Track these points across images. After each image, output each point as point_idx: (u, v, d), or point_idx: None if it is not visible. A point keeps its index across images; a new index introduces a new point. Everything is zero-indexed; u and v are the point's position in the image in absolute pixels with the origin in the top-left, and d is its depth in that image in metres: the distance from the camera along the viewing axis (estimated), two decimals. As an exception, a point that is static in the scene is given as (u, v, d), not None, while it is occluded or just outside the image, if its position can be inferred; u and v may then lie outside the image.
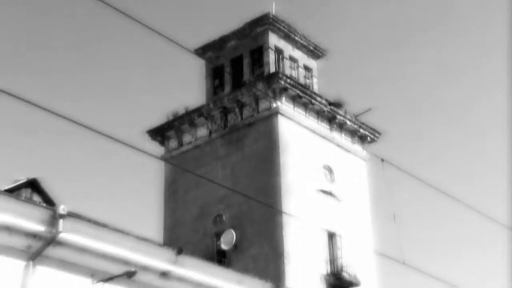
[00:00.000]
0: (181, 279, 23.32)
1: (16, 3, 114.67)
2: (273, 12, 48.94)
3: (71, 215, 20.16)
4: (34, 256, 19.84)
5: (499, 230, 33.40)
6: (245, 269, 31.01)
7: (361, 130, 48.80)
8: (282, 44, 48.74)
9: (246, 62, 48.42)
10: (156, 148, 48.58)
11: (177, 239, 42.80)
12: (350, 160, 47.93)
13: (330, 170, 46.17)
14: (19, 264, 19.63)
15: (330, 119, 47.22)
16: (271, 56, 47.69)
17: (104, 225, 21.20)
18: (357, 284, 43.76)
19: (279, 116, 44.56)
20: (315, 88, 49.52)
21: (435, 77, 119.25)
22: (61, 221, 19.81)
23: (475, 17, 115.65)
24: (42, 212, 20.01)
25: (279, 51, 48.41)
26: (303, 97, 45.65)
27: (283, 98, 44.97)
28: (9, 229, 19.33)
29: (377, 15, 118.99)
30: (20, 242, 19.64)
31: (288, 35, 49.06)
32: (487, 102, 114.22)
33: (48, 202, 29.90)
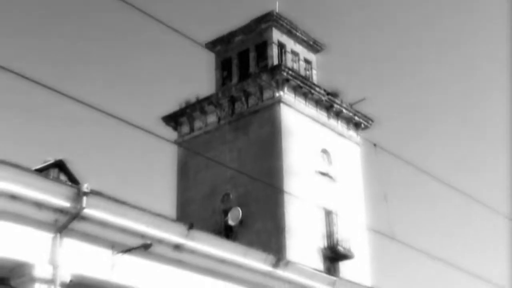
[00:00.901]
0: (192, 252, 23.46)
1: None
2: (277, 10, 48.91)
3: (93, 192, 20.34)
4: (61, 229, 20.04)
5: (485, 211, 33.44)
6: (250, 243, 31.15)
7: (356, 118, 48.81)
8: (285, 39, 48.70)
9: (251, 55, 48.42)
10: (170, 133, 48.71)
11: (189, 215, 42.91)
12: (345, 145, 47.99)
13: (327, 154, 46.25)
14: (48, 236, 19.85)
15: (328, 108, 47.24)
16: (275, 50, 47.69)
17: (123, 202, 21.36)
18: (350, 257, 43.88)
19: (282, 105, 44.61)
20: (314, 79, 49.51)
21: (428, 69, 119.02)
22: (84, 198, 20.01)
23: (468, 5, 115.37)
24: (68, 190, 20.19)
25: (281, 46, 48.39)
26: (303, 87, 45.68)
27: (285, 88, 45.00)
28: (39, 205, 19.54)
29: (372, 12, 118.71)
30: (48, 216, 19.85)
31: (290, 31, 49.02)
32: (483, 92, 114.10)
33: (73, 181, 29.97)
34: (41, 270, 19.45)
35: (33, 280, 19.40)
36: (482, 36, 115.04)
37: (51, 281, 19.57)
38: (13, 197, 18.96)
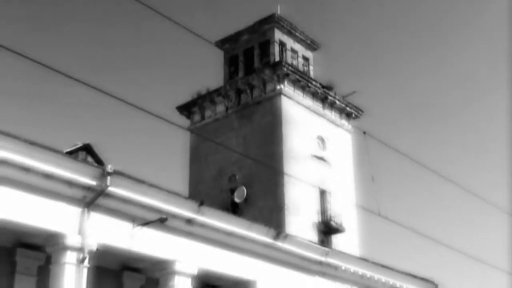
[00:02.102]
0: (202, 225, 23.67)
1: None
2: (278, 13, 48.83)
3: (116, 172, 20.57)
4: (88, 204, 20.30)
5: (465, 195, 33.43)
6: (253, 218, 31.25)
7: (348, 108, 48.80)
8: (285, 38, 48.62)
9: (256, 52, 48.36)
10: (183, 121, 48.75)
11: (199, 194, 42.99)
12: (338, 132, 48.00)
13: (322, 140, 46.31)
14: (77, 210, 20.13)
15: (323, 99, 47.24)
16: (276, 48, 47.65)
17: (142, 181, 21.59)
18: (342, 231, 43.97)
19: (282, 96, 44.64)
20: (311, 74, 49.44)
21: (418, 63, 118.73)
22: (108, 178, 20.26)
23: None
24: (94, 170, 20.46)
25: (282, 44, 48.34)
26: (302, 81, 45.68)
27: (285, 82, 45.01)
28: (69, 183, 19.79)
29: (365, 13, 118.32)
30: (77, 193, 20.11)
31: (290, 32, 48.95)
32: (471, 84, 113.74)
33: (99, 162, 29.97)
34: (71, 239, 19.75)
35: (64, 248, 19.70)
36: (477, 24, 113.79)
37: (80, 249, 19.86)
38: (47, 176, 19.22)
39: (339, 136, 47.92)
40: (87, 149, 31.89)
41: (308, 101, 46.21)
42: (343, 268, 30.54)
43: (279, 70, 44.63)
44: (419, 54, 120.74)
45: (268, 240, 26.25)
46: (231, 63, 49.46)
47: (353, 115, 49.37)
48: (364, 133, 25.11)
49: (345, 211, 44.90)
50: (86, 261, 19.84)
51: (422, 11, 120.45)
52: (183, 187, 46.84)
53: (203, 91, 48.30)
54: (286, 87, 44.96)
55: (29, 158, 18.61)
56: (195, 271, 23.34)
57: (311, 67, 50.13)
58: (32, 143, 18.75)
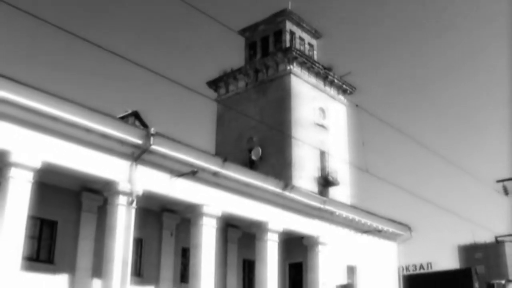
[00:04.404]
0: (226, 177, 23.97)
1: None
2: (289, 7, 48.45)
3: (158, 134, 20.87)
4: (136, 159, 20.63)
5: (440, 159, 33.46)
6: (266, 173, 31.42)
7: (344, 86, 48.45)
8: (295, 28, 48.15)
9: (271, 39, 48.00)
10: (212, 94, 48.76)
11: (224, 152, 43.14)
12: (336, 105, 47.79)
13: (322, 111, 46.18)
14: (127, 163, 20.50)
15: (324, 78, 46.98)
16: (287, 36, 47.27)
17: (178, 141, 21.84)
18: (337, 184, 44.01)
19: (291, 75, 44.44)
20: (315, 57, 49.04)
21: (402, 51, 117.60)
22: (152, 138, 20.57)
23: None
24: (141, 132, 20.78)
25: (292, 33, 47.93)
26: (307, 63, 45.42)
27: (294, 64, 44.80)
28: (121, 142, 20.15)
29: (362, 5, 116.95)
30: (127, 150, 20.47)
31: (298, 23, 48.47)
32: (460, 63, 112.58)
33: (144, 125, 30.18)
34: (123, 186, 20.20)
35: (117, 192, 20.17)
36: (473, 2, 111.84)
37: (129, 194, 20.31)
38: (104, 135, 19.58)
39: (336, 108, 47.77)
40: (135, 115, 32.07)
41: (312, 79, 46.05)
42: (337, 213, 30.88)
43: (289, 54, 44.46)
44: (408, 44, 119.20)
45: (278, 190, 26.56)
46: (250, 48, 49.23)
47: (348, 91, 49.10)
48: (357, 106, 25.08)
49: (340, 168, 44.93)
50: (134, 203, 20.29)
51: (416, 9, 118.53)
52: (210, 146, 47.11)
53: (228, 70, 48.18)
54: (295, 68, 44.80)
55: (90, 121, 18.96)
56: (219, 213, 23.74)
57: (315, 52, 49.75)
58: (93, 110, 19.07)
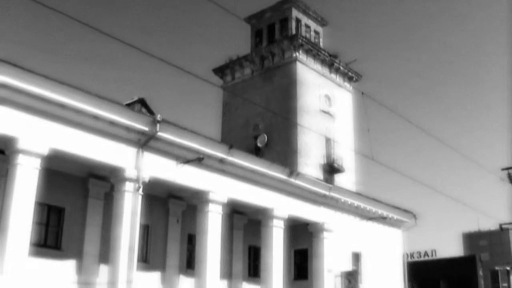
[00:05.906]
0: (231, 164, 23.97)
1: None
2: (295, -5, 48.30)
3: (164, 121, 20.85)
4: (142, 145, 20.65)
5: (445, 147, 33.39)
6: (272, 160, 31.51)
7: (349, 73, 48.32)
8: (301, 16, 47.92)
9: (277, 27, 47.82)
10: (218, 81, 48.72)
11: (230, 139, 43.27)
12: (341, 92, 47.70)
13: (328, 98, 46.10)
14: (133, 150, 20.53)
15: (330, 65, 46.82)
16: (293, 24, 47.07)
17: (184, 128, 21.84)
18: (342, 171, 44.07)
19: (297, 62, 44.32)
20: (321, 45, 48.88)
21: (405, 38, 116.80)
22: (158, 125, 20.56)
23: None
24: (147, 119, 20.75)
25: (298, 21, 47.71)
26: (313, 50, 45.25)
27: (300, 51, 44.65)
28: (128, 128, 20.16)
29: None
30: (134, 136, 20.49)
31: (304, 11, 48.22)
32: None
33: (151, 112, 30.11)
34: (129, 172, 20.24)
35: (124, 179, 20.22)
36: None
37: (136, 180, 20.34)
38: (111, 122, 19.60)
39: (342, 95, 47.64)
40: (142, 102, 32.01)
41: (317, 66, 45.90)
42: (342, 200, 30.90)
43: (295, 41, 44.28)
44: (414, 32, 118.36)
45: (283, 177, 26.56)
46: (256, 35, 49.06)
47: (354, 78, 48.96)
48: (362, 93, 24.99)
49: (345, 155, 44.94)
50: (141, 189, 20.32)
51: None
52: (216, 133, 47.20)
53: (234, 57, 48.10)
54: (301, 55, 44.64)
55: (97, 108, 18.97)
56: (225, 200, 23.78)
57: (320, 39, 49.53)
58: (100, 97, 19.08)
